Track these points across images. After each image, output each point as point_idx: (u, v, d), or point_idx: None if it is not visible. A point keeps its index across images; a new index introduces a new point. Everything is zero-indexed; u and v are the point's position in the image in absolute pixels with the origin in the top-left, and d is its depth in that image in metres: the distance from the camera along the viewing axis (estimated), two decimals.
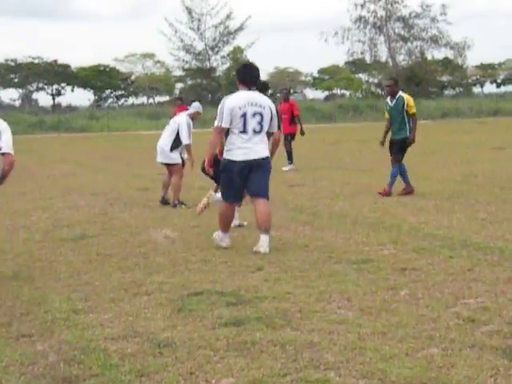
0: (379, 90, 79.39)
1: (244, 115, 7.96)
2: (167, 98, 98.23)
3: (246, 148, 8.01)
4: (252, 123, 7.99)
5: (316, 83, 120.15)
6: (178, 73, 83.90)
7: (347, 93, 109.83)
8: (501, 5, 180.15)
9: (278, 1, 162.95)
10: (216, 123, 8.08)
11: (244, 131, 7.99)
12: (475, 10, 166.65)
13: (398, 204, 11.14)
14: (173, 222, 10.11)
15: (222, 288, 6.27)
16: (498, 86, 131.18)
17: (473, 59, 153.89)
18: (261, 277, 6.67)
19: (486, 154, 20.11)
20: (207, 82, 74.17)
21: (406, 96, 12.44)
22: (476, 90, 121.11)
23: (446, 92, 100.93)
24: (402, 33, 72.42)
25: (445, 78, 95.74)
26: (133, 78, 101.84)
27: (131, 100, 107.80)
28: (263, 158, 8.14)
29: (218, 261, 7.44)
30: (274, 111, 8.23)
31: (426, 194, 12.24)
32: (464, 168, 16.62)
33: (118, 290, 6.33)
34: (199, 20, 72.38)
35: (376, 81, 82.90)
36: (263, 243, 7.86)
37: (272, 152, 8.56)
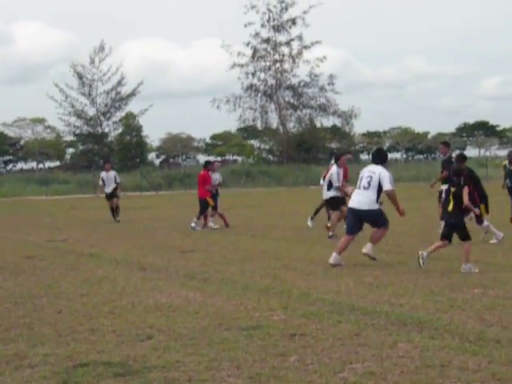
0: (271, 156, 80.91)
1: (361, 178, 11.58)
2: (58, 163, 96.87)
3: (353, 200, 11.76)
4: (363, 182, 11.54)
5: (209, 149, 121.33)
6: (69, 138, 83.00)
7: (239, 158, 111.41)
8: (384, 76, 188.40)
9: (171, 68, 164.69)
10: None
11: (359, 187, 11.60)
12: (361, 80, 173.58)
13: (288, 269, 11.25)
14: (60, 290, 9.84)
15: (110, 358, 6.12)
16: None
17: (360, 127, 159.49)
18: (150, 345, 6.55)
19: None
20: (99, 148, 73.52)
21: None
22: (363, 156, 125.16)
23: None
24: (292, 101, 74.42)
25: (334, 145, 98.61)
26: (22, 142, 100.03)
27: (20, 165, 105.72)
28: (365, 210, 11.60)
29: (106, 330, 7.27)
30: (383, 175, 11.47)
31: (315, 259, 12.42)
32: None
33: None
34: (90, 86, 72.04)
35: (267, 147, 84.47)
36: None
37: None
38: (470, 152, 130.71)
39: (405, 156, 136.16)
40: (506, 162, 17.02)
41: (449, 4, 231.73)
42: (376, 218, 11.79)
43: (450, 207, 10.77)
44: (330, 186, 16.31)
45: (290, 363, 5.85)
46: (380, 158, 12.01)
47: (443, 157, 16.46)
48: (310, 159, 74.64)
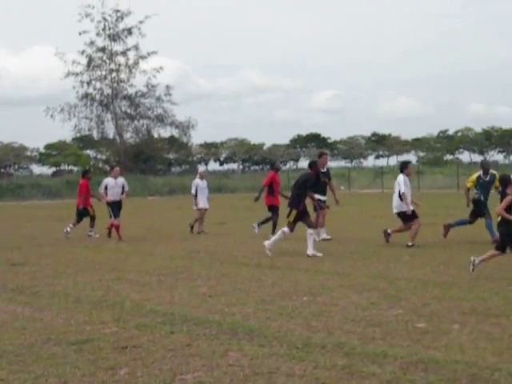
0: (107, 167, 79.67)
1: None
2: None
3: None
4: None
5: (43, 159, 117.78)
6: None
7: (75, 169, 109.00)
8: (221, 88, 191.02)
9: (1, 74, 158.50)
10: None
11: None
12: (198, 91, 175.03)
13: (122, 281, 11.12)
14: None
15: None
16: (221, 163, 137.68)
17: (197, 138, 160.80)
18: None
19: (209, 228, 20.81)
20: None
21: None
22: (202, 167, 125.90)
23: (173, 169, 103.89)
24: (129, 111, 73.72)
25: (171, 156, 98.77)
26: None
27: None
28: None
29: None
30: None
31: (150, 269, 12.35)
32: (188, 243, 17.07)
33: None
34: None
35: (104, 157, 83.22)
36: None
37: None
38: (304, 163, 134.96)
39: (241, 167, 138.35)
40: (480, 174, 16.00)
41: (281, 18, 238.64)
42: None
43: (499, 219, 10.98)
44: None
45: (120, 376, 5.78)
46: None
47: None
48: (148, 170, 74.31)
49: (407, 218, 15.41)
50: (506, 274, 10.73)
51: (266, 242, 14.18)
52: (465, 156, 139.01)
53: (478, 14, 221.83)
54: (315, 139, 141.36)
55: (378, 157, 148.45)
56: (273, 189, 18.07)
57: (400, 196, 15.37)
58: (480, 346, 6.42)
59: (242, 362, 6.09)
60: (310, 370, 5.80)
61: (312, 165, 15.02)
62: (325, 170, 17.53)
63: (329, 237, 16.90)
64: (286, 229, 14.16)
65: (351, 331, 7.17)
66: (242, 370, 5.84)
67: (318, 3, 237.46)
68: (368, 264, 12.41)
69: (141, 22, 71.48)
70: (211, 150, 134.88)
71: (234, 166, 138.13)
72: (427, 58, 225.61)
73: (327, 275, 11.20)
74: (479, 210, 15.72)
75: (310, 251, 13.77)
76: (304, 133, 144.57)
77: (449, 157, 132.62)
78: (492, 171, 15.90)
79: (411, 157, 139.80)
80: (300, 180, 14.54)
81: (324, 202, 17.19)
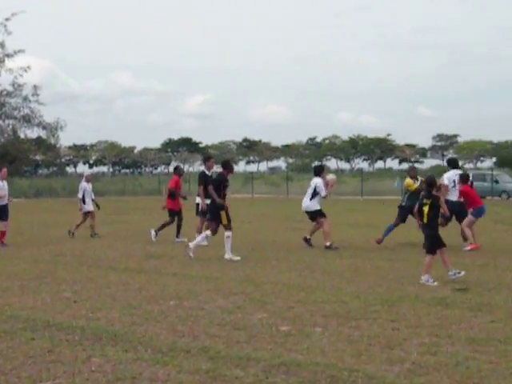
0: None
1: (453, 181, 15.84)
2: None
3: (452, 195, 15.81)
4: (452, 184, 15.87)
5: None
6: None
7: None
8: (92, 89, 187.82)
9: None
10: None
11: (454, 187, 15.83)
12: (68, 92, 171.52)
13: None
14: None
15: None
16: (91, 166, 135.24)
17: (66, 140, 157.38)
18: None
19: (77, 232, 20.37)
20: None
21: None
22: (69, 169, 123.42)
23: (40, 171, 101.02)
24: None
25: (38, 157, 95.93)
26: None
27: None
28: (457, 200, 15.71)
29: None
30: None
31: (13, 274, 11.97)
32: (54, 247, 16.66)
33: None
34: None
35: None
36: None
37: None
38: None
39: (111, 170, 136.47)
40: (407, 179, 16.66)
41: (154, 21, 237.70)
42: (462, 209, 15.66)
43: (426, 219, 10.82)
44: (314, 195, 16.24)
45: None
46: (457, 164, 16.74)
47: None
48: (13, 171, 71.89)
49: (317, 215, 16.29)
50: (366, 278, 11.09)
51: (191, 244, 14.13)
52: (332, 163, 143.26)
53: (348, 27, 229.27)
54: (187, 143, 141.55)
55: (248, 162, 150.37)
56: (175, 193, 18.08)
57: (313, 197, 16.24)
58: (340, 348, 6.62)
59: (105, 368, 6.00)
60: (174, 375, 5.79)
61: (225, 164, 14.72)
62: (210, 173, 17.47)
63: (206, 243, 16.86)
64: (228, 232, 14.11)
65: (216, 335, 7.21)
66: (104, 376, 5.75)
67: (191, 7, 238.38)
68: (236, 268, 12.52)
69: (7, 19, 68.86)
70: (80, 152, 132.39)
71: (104, 168, 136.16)
72: (298, 68, 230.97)
73: (195, 279, 11.21)
74: (404, 213, 16.42)
75: (198, 249, 13.93)
76: (175, 137, 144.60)
77: (317, 163, 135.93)
78: (419, 177, 16.67)
79: (281, 163, 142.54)
80: (216, 183, 14.46)
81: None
